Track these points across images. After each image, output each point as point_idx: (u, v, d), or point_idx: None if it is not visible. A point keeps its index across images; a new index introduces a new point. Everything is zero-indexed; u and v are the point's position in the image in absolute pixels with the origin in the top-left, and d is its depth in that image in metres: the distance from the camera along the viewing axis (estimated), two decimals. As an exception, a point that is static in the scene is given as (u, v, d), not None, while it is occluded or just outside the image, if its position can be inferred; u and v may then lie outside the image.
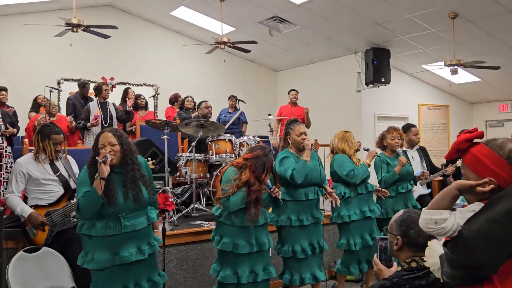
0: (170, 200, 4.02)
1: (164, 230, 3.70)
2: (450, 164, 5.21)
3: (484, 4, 6.59)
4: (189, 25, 9.61)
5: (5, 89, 6.67)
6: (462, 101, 11.11)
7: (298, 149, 3.87)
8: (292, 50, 9.95)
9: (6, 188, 5.17)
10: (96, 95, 6.64)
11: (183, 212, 5.02)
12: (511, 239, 1.38)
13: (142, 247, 2.81)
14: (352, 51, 9.25)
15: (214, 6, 8.13)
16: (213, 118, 6.84)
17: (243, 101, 7.76)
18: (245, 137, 5.58)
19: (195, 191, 5.17)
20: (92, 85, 7.85)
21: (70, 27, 6.52)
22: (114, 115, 6.61)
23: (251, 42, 7.47)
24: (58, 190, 3.48)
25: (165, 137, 5.03)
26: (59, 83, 8.90)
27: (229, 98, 7.81)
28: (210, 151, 5.34)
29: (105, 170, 2.62)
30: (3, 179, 5.21)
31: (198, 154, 5.26)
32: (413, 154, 5.38)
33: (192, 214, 5.00)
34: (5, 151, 5.32)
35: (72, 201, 3.46)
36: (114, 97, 7.57)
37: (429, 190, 5.40)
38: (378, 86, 8.91)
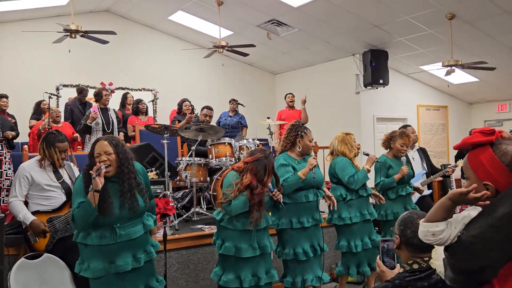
0: (170, 204, 4.03)
1: (165, 235, 3.70)
2: (450, 165, 5.24)
3: (482, 5, 6.60)
4: (187, 30, 9.63)
5: (6, 96, 6.68)
6: (460, 101, 11.13)
7: (304, 154, 3.88)
8: (290, 53, 9.97)
9: (6, 195, 5.20)
10: (96, 101, 6.65)
11: (184, 216, 5.02)
12: (509, 243, 1.39)
13: (138, 255, 2.77)
14: (350, 53, 9.27)
15: (212, 10, 8.15)
16: (213, 122, 6.84)
17: (242, 105, 7.78)
18: (245, 141, 5.58)
19: (195, 195, 5.18)
20: (90, 91, 7.89)
21: (68, 33, 6.53)
22: (115, 121, 6.62)
23: (250, 46, 7.49)
24: (59, 197, 3.48)
25: (165, 141, 5.04)
26: (58, 89, 8.90)
27: (230, 101, 7.82)
28: (210, 155, 5.34)
29: (99, 182, 2.56)
30: (3, 185, 5.21)
31: (198, 158, 5.26)
32: (414, 155, 5.39)
33: (193, 218, 5.00)
34: (5, 158, 5.33)
35: (74, 208, 3.46)
36: (113, 103, 7.58)
37: (430, 191, 5.41)
38: (377, 88, 8.94)
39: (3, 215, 3.09)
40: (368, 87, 8.91)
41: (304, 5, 7.48)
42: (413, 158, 5.32)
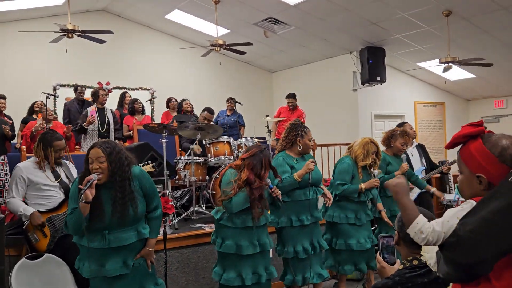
0: (170, 203, 4.04)
1: (165, 234, 3.70)
2: (447, 161, 5.26)
3: (478, 1, 6.62)
4: (184, 28, 9.61)
5: (3, 97, 6.64)
6: (457, 98, 11.16)
7: (304, 153, 3.89)
8: (287, 51, 9.97)
9: (5, 195, 5.20)
10: (93, 101, 6.63)
11: (183, 215, 5.02)
12: (505, 237, 1.40)
13: (129, 262, 2.77)
14: (347, 50, 9.28)
15: (208, 8, 8.14)
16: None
17: (239, 103, 7.77)
18: (243, 139, 5.59)
19: (194, 194, 5.18)
20: (88, 90, 7.88)
21: (65, 33, 6.52)
22: (111, 121, 6.60)
23: (247, 44, 7.48)
24: (58, 196, 3.49)
25: (164, 140, 5.04)
26: (55, 89, 8.88)
27: (227, 100, 7.81)
28: (209, 154, 5.34)
29: (89, 194, 2.56)
30: (0, 186, 5.20)
31: (197, 157, 5.26)
32: (413, 151, 5.41)
33: (192, 217, 5.01)
34: (1, 159, 5.33)
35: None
36: (110, 102, 7.57)
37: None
38: (374, 85, 8.95)
39: (3, 215, 3.08)
40: (365, 85, 8.91)
41: (301, 3, 7.48)
42: (412, 155, 5.34)
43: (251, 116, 9.04)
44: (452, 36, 7.40)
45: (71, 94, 9.02)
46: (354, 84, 9.28)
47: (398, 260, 2.07)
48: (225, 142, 5.37)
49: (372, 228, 4.46)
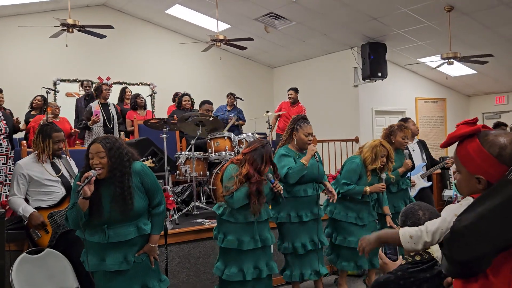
0: (170, 199, 4.04)
1: (165, 229, 3.70)
2: (449, 158, 5.26)
3: (480, -3, 6.61)
4: (184, 23, 9.59)
5: (0, 91, 6.60)
6: (459, 93, 11.14)
7: (301, 148, 3.86)
8: (288, 46, 9.94)
9: (8, 190, 5.22)
10: (96, 96, 6.62)
11: (184, 210, 5.02)
12: (500, 234, 1.39)
13: (129, 257, 2.77)
14: (348, 46, 9.26)
15: (209, 3, 8.12)
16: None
17: (240, 98, 7.75)
18: (244, 134, 5.58)
19: (195, 189, 5.18)
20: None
21: (65, 28, 6.49)
22: (115, 116, 6.60)
23: (248, 39, 7.46)
24: (59, 191, 3.48)
25: (164, 136, 5.03)
26: (55, 84, 8.87)
27: (227, 96, 7.80)
28: (210, 149, 5.34)
29: (88, 190, 2.58)
30: (6, 180, 5.24)
31: (197, 152, 5.25)
32: (414, 147, 5.40)
33: (193, 213, 5.01)
34: (10, 153, 5.36)
35: (74, 202, 3.46)
36: (110, 97, 7.55)
37: (430, 183, 5.43)
38: (375, 81, 8.94)
39: (3, 210, 3.08)
40: (366, 80, 8.90)
41: (302, -2, 7.46)
42: (413, 150, 5.33)
43: (252, 111, 9.03)
44: (453, 31, 7.37)
45: (71, 89, 9.04)
46: (355, 79, 9.26)
47: (401, 257, 2.07)
48: (225, 137, 5.37)
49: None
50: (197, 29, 9.62)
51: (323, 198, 4.24)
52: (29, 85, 8.01)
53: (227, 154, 5.25)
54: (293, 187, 3.78)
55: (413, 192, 5.09)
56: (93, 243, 2.71)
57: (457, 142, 1.62)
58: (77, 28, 6.52)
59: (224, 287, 3.39)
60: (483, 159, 1.51)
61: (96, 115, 6.31)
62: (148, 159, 4.22)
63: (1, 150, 5.35)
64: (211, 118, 5.34)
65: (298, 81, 9.52)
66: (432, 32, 7.94)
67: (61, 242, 3.40)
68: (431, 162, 5.45)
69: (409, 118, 5.58)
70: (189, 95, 7.25)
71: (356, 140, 9.04)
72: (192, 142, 5.10)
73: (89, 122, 6.27)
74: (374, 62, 8.65)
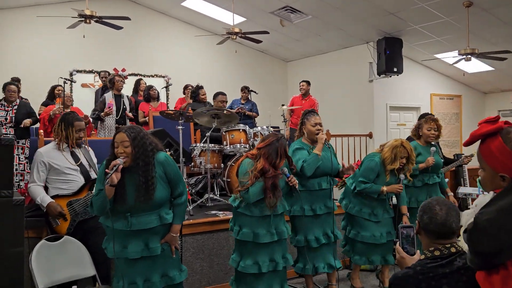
0: (185, 190, 4.07)
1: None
2: (464, 155, 5.21)
3: (500, -8, 6.51)
4: (200, 16, 9.59)
5: (13, 84, 5.99)
6: (475, 90, 11.01)
7: (312, 140, 3.87)
8: (303, 40, 9.90)
9: (21, 180, 5.30)
10: (110, 87, 6.68)
11: (198, 202, 5.05)
12: None
13: (151, 245, 2.81)
14: (364, 41, 9.19)
15: (225, -4, 8.12)
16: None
17: (254, 92, 7.76)
18: (259, 127, 5.59)
19: (209, 181, 5.20)
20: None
21: (83, 19, 6.54)
22: (128, 108, 6.65)
23: (263, 33, 7.44)
24: (78, 180, 3.52)
25: (180, 127, 5.05)
26: (71, 74, 8.95)
27: (241, 90, 7.81)
28: (224, 141, 5.35)
29: (115, 178, 2.65)
30: (20, 169, 5.32)
31: (212, 144, 5.28)
32: None
33: (207, 204, 5.04)
34: (19, 142, 5.44)
35: (92, 191, 3.50)
36: (125, 89, 7.61)
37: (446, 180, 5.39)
38: (390, 76, 8.86)
39: (22, 197, 3.13)
40: (381, 75, 8.83)
41: (318, -8, 7.42)
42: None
43: (266, 105, 9.03)
44: (471, 27, 7.27)
45: (87, 80, 9.12)
46: (370, 74, 9.20)
47: (418, 251, 2.07)
48: (240, 130, 5.37)
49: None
50: (213, 22, 9.62)
51: (336, 192, 4.25)
52: (45, 75, 8.08)
53: (242, 146, 5.27)
54: (307, 180, 3.79)
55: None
56: (115, 230, 2.76)
57: (479, 140, 1.62)
58: (95, 19, 6.57)
59: (239, 279, 3.41)
60: (506, 157, 1.52)
61: (109, 107, 6.35)
62: (167, 151, 4.26)
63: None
64: (226, 111, 5.35)
65: (312, 76, 9.48)
66: (450, 28, 7.84)
67: (79, 230, 3.45)
68: (444, 161, 5.41)
69: (430, 114, 5.54)
70: (202, 88, 7.27)
71: (370, 135, 9.01)
72: (208, 134, 5.11)
73: (102, 113, 6.32)
74: (390, 57, 8.57)
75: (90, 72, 9.16)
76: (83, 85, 9.10)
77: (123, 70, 9.37)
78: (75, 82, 7.49)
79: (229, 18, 8.29)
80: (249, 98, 7.74)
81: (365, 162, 4.17)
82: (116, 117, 6.49)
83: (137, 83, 8.15)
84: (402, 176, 4.10)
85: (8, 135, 5.36)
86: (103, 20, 6.66)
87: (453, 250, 1.90)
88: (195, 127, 6.62)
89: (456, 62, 7.68)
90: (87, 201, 3.46)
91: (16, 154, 5.46)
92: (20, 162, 5.49)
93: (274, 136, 3.41)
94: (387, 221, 4.18)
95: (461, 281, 1.83)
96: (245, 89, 7.75)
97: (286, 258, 3.44)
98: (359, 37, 9.08)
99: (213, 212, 4.70)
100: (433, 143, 4.65)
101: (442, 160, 5.31)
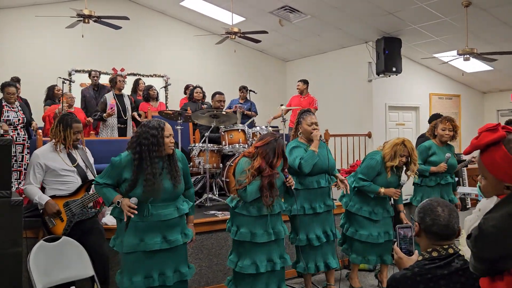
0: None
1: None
2: (473, 156, 5.24)
3: (499, -8, 6.50)
4: (199, 16, 9.58)
5: (13, 85, 5.89)
6: (473, 90, 11.00)
7: (308, 139, 3.88)
8: (302, 40, 9.89)
9: (16, 179, 5.30)
10: (111, 87, 6.68)
11: (197, 202, 5.05)
12: None
13: (169, 237, 2.88)
14: (363, 40, 9.18)
15: (224, -4, 8.11)
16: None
17: (253, 91, 7.75)
18: (258, 127, 5.59)
19: (208, 181, 5.20)
20: (102, 77, 7.93)
21: (81, 18, 6.54)
22: (129, 107, 6.66)
23: (262, 32, 7.44)
24: (75, 181, 3.50)
25: (179, 127, 5.05)
26: (70, 74, 8.94)
27: (239, 89, 7.81)
28: (223, 141, 5.35)
29: (131, 215, 2.77)
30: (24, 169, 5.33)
31: (211, 144, 5.27)
32: None
33: (206, 204, 5.03)
34: (27, 142, 5.45)
35: (89, 192, 3.50)
36: (125, 88, 7.61)
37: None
38: (389, 76, 8.85)
39: (21, 198, 3.12)
40: (380, 75, 8.82)
41: (317, -9, 7.41)
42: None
43: (264, 105, 9.02)
44: (470, 27, 7.27)
45: (86, 80, 9.10)
46: (369, 74, 9.20)
47: (416, 251, 2.06)
48: (239, 130, 5.37)
49: None
50: (212, 22, 9.61)
51: (335, 192, 4.25)
52: (44, 75, 8.07)
53: (241, 146, 5.27)
54: (305, 178, 3.80)
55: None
56: (132, 222, 2.81)
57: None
58: (93, 19, 6.56)
59: (237, 279, 3.41)
60: (510, 164, 1.50)
61: (111, 108, 6.35)
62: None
63: (19, 139, 5.43)
64: (224, 112, 5.35)
65: (311, 75, 9.47)
66: (448, 28, 7.84)
67: (76, 231, 3.44)
68: None
69: (440, 114, 5.57)
70: (201, 88, 7.27)
71: (369, 135, 9.00)
72: (206, 134, 5.10)
73: (104, 114, 6.32)
74: (389, 57, 8.56)
75: (89, 71, 9.14)
76: (82, 85, 9.06)
77: (122, 70, 9.36)
78: (73, 82, 7.49)
79: (228, 18, 8.28)
80: (248, 98, 7.73)
81: (366, 160, 4.19)
82: (123, 117, 6.48)
83: (136, 83, 8.14)
84: (403, 181, 4.12)
85: (25, 136, 5.40)
86: (101, 19, 6.66)
87: (450, 251, 1.90)
88: (194, 127, 6.62)
89: (452, 60, 7.64)
90: (84, 202, 3.46)
91: (25, 154, 5.47)
92: (27, 162, 5.50)
93: (271, 136, 3.42)
94: (386, 220, 4.20)
95: (459, 282, 1.82)
96: (243, 89, 7.74)
97: (284, 259, 3.44)
98: (358, 37, 9.08)
99: (212, 212, 4.70)
100: (449, 143, 4.67)
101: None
